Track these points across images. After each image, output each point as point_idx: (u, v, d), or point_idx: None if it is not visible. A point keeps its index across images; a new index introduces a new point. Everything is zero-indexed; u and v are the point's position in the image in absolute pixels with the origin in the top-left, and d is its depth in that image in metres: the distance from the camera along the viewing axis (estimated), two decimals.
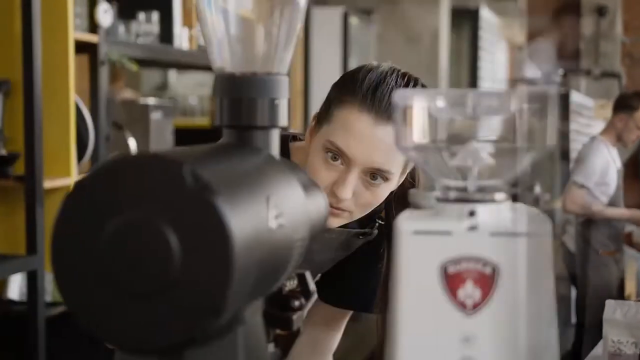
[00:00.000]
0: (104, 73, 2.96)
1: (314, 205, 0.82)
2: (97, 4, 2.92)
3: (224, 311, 0.61)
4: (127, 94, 4.33)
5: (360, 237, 1.49)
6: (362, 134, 1.28)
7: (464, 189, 0.70)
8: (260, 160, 0.74)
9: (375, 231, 1.49)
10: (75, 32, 2.83)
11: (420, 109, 0.70)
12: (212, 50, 0.79)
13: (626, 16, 8.47)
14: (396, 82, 1.31)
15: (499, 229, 0.67)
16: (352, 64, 5.33)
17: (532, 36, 9.11)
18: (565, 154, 6.91)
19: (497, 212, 0.69)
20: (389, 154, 1.28)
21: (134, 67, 3.05)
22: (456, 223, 0.68)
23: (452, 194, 0.70)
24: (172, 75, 5.57)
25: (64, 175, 2.76)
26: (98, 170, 0.63)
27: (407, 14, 6.26)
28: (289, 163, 0.82)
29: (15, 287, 2.89)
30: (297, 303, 0.86)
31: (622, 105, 4.60)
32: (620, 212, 4.69)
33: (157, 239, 0.61)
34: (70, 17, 2.75)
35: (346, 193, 1.29)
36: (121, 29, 3.26)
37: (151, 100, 3.54)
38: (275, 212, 0.69)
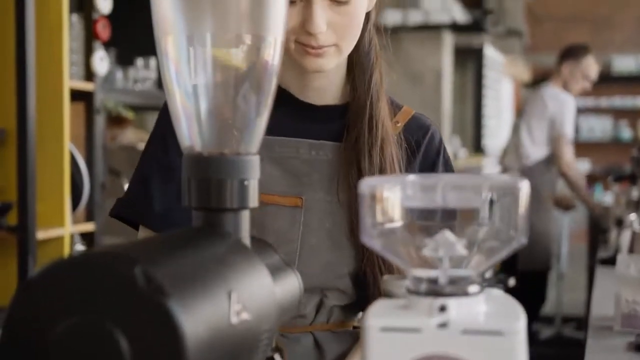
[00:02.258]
0: (99, 121, 2.94)
1: (284, 289, 0.79)
2: (93, 51, 2.91)
3: None
4: (132, 134, 4.32)
5: None
6: None
7: (435, 281, 0.67)
8: (225, 248, 0.71)
9: None
10: (71, 81, 2.81)
11: (388, 197, 0.67)
12: (180, 127, 0.76)
13: None
14: None
15: (471, 326, 0.64)
16: None
17: (537, 73, 9.14)
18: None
19: (470, 307, 0.66)
20: None
21: (129, 114, 3.04)
22: (426, 319, 0.65)
23: (423, 286, 0.67)
24: None
25: (58, 225, 2.74)
26: (48, 268, 0.60)
27: (410, 54, 6.26)
28: (258, 245, 0.79)
29: None
30: None
31: (569, 54, 4.72)
32: (590, 199, 4.88)
33: (107, 343, 0.58)
34: (65, 65, 2.74)
35: (318, 25, 1.21)
36: (119, 74, 3.25)
37: None
38: (238, 307, 0.66)
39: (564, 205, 5.11)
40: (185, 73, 0.75)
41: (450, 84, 6.68)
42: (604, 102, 9.89)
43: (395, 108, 1.40)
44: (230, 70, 0.76)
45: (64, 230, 2.76)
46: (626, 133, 9.86)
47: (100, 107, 2.92)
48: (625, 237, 2.69)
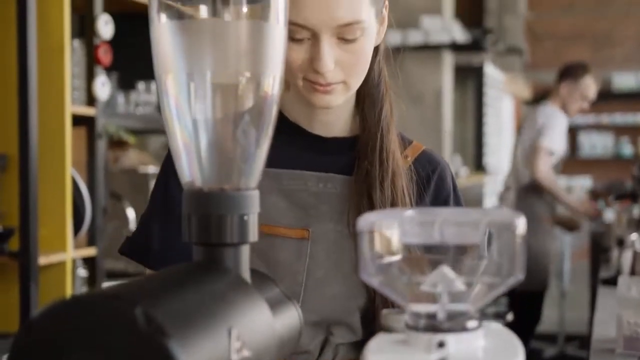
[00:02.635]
0: (101, 146, 2.96)
1: (284, 323, 0.79)
2: (95, 76, 2.92)
3: None
4: (134, 156, 4.33)
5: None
6: None
7: (433, 316, 0.67)
8: (225, 285, 0.72)
9: None
10: (73, 106, 2.83)
11: (386, 233, 0.68)
12: (180, 163, 0.77)
13: None
14: None
15: None
16: None
17: (537, 90, 9.16)
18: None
19: (469, 342, 0.66)
20: (349, 2, 1.20)
21: (130, 139, 3.05)
22: (425, 355, 0.65)
23: (422, 322, 0.67)
24: None
25: (60, 250, 2.74)
26: (49, 309, 0.61)
27: (410, 74, 6.28)
28: (259, 279, 0.79)
29: None
30: None
31: (568, 73, 4.71)
32: (575, 203, 4.79)
33: None
34: (67, 90, 2.76)
35: (326, 64, 1.20)
36: (120, 98, 3.27)
37: (152, 169, 3.53)
38: (238, 345, 0.66)
39: (568, 226, 5.09)
40: (185, 109, 0.75)
41: (450, 103, 6.70)
42: (605, 118, 9.92)
43: (405, 142, 1.40)
44: (230, 106, 0.77)
45: (66, 255, 2.76)
46: (627, 149, 9.89)
47: (101, 131, 2.93)
48: (627, 257, 2.69)
